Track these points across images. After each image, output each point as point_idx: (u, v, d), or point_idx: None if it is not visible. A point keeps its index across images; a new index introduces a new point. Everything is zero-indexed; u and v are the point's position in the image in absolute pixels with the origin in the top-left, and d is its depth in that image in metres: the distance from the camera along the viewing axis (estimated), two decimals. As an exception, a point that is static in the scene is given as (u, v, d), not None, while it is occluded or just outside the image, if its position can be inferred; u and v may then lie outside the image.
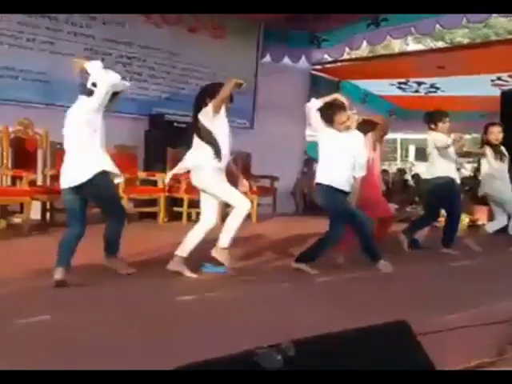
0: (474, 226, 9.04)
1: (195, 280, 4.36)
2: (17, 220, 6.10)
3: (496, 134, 6.41)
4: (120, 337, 2.90)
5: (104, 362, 2.49)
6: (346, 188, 4.67)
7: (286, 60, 9.90)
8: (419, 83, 10.43)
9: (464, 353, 2.72)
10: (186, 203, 7.46)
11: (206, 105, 4.35)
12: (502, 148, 6.49)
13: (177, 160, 7.79)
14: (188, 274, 4.33)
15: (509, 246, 6.50)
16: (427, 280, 4.73)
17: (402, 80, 10.46)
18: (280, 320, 3.27)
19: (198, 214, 7.92)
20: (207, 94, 4.41)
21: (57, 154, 6.93)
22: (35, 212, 6.47)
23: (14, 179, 6.38)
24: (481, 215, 9.22)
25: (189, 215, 7.65)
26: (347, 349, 1.79)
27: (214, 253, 4.41)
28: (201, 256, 4.77)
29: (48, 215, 6.84)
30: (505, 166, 6.49)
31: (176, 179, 7.61)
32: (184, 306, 3.69)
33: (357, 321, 2.04)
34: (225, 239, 4.32)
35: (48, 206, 6.82)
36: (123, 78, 8.12)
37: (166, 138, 7.77)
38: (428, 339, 2.12)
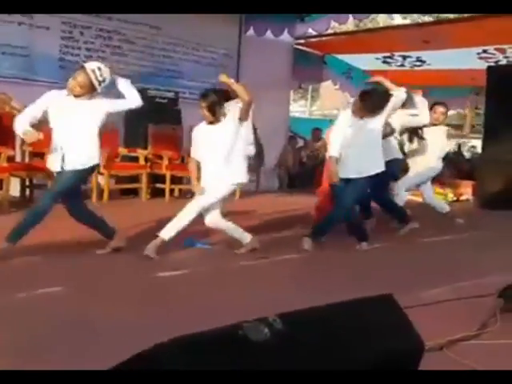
0: (458, 200, 9.08)
1: (178, 256, 4.32)
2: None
3: (438, 114, 6.20)
4: (103, 313, 2.85)
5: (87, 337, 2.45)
6: None
7: (269, 34, 9.74)
8: (404, 57, 10.35)
9: (449, 326, 2.72)
10: (168, 180, 7.38)
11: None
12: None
13: (158, 136, 7.76)
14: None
15: (492, 221, 6.53)
16: (411, 255, 4.72)
17: (387, 54, 10.37)
18: (264, 296, 3.24)
19: (180, 190, 7.91)
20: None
21: (35, 129, 6.81)
22: (14, 188, 6.36)
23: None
24: (465, 190, 9.24)
25: (171, 192, 7.56)
26: (334, 322, 1.76)
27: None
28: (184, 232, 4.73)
29: (27, 192, 6.73)
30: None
31: (158, 155, 7.53)
32: (167, 281, 3.66)
33: (341, 296, 2.00)
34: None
35: (27, 183, 6.70)
36: (103, 52, 8.12)
37: (147, 114, 7.61)
38: (413, 313, 2.08)
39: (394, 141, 5.59)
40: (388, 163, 5.07)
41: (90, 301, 3.08)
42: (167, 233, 4.19)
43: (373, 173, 4.71)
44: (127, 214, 6.11)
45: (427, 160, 6.21)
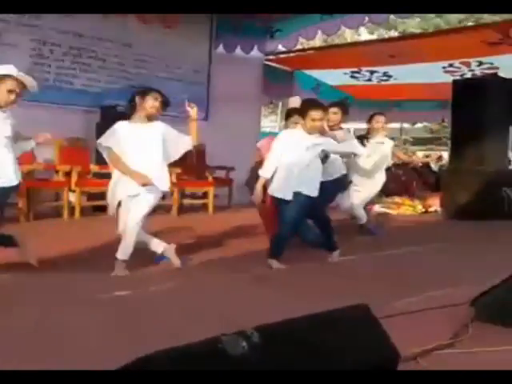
0: (427, 212, 9.22)
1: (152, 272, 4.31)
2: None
3: (380, 123, 6.37)
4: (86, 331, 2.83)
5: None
6: None
7: (239, 51, 9.84)
8: (372, 72, 10.54)
9: (422, 335, 2.76)
10: (140, 196, 7.35)
11: None
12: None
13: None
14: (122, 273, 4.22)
15: (460, 231, 6.65)
16: (381, 266, 4.79)
17: (355, 69, 10.54)
18: (237, 309, 3.25)
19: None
20: None
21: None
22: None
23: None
24: (433, 201, 9.40)
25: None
26: (310, 333, 1.79)
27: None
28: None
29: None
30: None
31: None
32: (123, 300, 3.64)
33: (317, 307, 2.03)
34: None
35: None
36: (73, 69, 8.10)
37: (118, 130, 7.63)
38: (386, 323, 2.13)
39: (339, 158, 5.58)
40: (336, 180, 5.37)
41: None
42: (122, 254, 4.19)
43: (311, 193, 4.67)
44: (99, 230, 6.07)
45: (377, 175, 6.37)
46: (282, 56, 10.71)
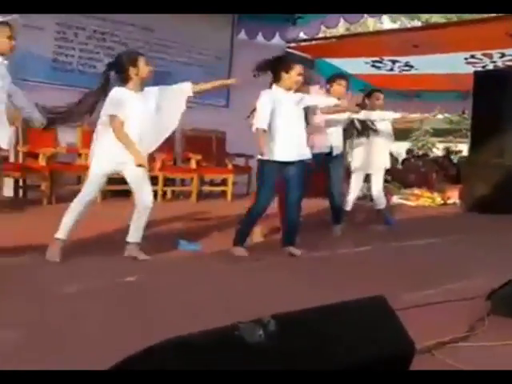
0: (445, 204, 9.19)
1: (172, 258, 4.36)
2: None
3: (381, 100, 6.24)
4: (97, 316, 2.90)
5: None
6: None
7: (260, 37, 9.81)
8: (393, 61, 10.46)
9: (438, 328, 2.78)
10: (161, 181, 7.42)
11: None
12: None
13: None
14: (143, 257, 4.16)
15: (479, 224, 6.63)
16: (398, 258, 4.80)
17: (377, 58, 10.47)
18: (252, 298, 3.30)
19: (173, 192, 7.98)
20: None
21: (29, 130, 6.85)
22: (8, 189, 6.39)
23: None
24: (452, 194, 9.37)
25: (164, 193, 7.62)
26: (326, 323, 1.81)
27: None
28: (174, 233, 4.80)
29: (21, 192, 6.76)
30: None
31: (151, 157, 7.56)
32: (159, 283, 3.70)
33: (332, 298, 2.07)
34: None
35: (21, 183, 6.73)
36: (97, 53, 8.15)
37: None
38: (401, 315, 2.16)
39: None
40: None
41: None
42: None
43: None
44: (119, 215, 6.14)
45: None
46: (303, 44, 10.66)
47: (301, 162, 4.47)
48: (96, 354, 2.21)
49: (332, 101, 4.89)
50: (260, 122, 4.37)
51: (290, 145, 4.42)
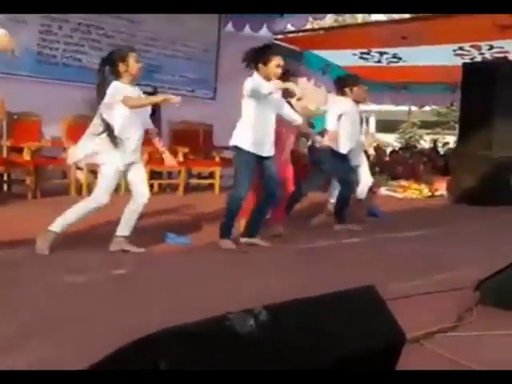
0: (433, 196, 9.21)
1: (162, 250, 4.33)
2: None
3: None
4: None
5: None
6: None
7: (248, 29, 9.76)
8: (381, 53, 10.45)
9: (426, 318, 2.78)
10: (147, 174, 7.34)
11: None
12: None
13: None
14: (135, 249, 4.16)
15: (466, 216, 6.65)
16: (387, 249, 4.81)
17: (365, 50, 10.46)
18: (237, 290, 3.29)
19: (160, 185, 7.93)
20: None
21: (14, 124, 6.78)
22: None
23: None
24: (439, 185, 9.39)
25: (151, 186, 7.55)
26: (317, 313, 1.80)
27: None
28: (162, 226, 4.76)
29: (5, 186, 6.70)
30: None
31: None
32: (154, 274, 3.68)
33: (321, 290, 2.05)
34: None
35: (5, 178, 6.67)
36: (82, 46, 8.08)
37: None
38: (390, 305, 2.14)
39: None
40: None
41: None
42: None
43: None
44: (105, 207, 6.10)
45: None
46: (291, 35, 10.62)
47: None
48: (89, 346, 2.18)
49: (298, 119, 4.83)
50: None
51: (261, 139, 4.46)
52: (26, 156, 6.43)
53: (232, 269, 3.93)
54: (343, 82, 5.84)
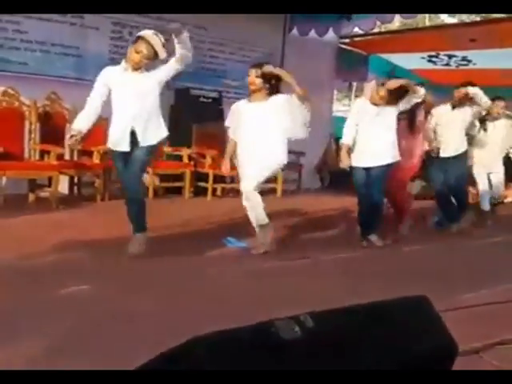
0: (502, 203, 8.91)
1: (218, 255, 4.39)
2: (45, 194, 6.19)
3: (498, 108, 6.60)
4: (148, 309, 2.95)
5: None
6: None
7: (313, 33, 9.72)
8: (450, 56, 10.20)
9: (486, 330, 2.72)
10: (211, 178, 7.47)
11: None
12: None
13: (202, 135, 7.87)
14: None
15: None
16: (448, 257, 4.72)
17: (433, 53, 10.24)
18: (297, 294, 3.29)
19: (223, 189, 8.02)
20: None
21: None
22: (63, 186, 6.57)
23: (42, 153, 6.44)
24: (510, 192, 9.07)
25: (214, 190, 7.67)
26: (365, 321, 1.77)
27: None
28: (224, 231, 4.83)
29: (75, 189, 6.93)
30: None
31: (201, 154, 7.65)
32: (207, 279, 3.73)
33: (376, 296, 2.03)
34: None
35: (76, 180, 6.90)
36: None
37: (191, 113, 7.76)
38: (451, 316, 2.11)
39: None
40: None
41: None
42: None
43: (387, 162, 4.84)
44: (171, 211, 6.24)
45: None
46: (357, 39, 10.53)
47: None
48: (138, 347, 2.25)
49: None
50: (346, 138, 5.11)
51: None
52: (96, 159, 6.64)
53: (289, 275, 3.94)
54: None
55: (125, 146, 4.04)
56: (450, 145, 5.87)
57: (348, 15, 9.61)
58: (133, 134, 4.02)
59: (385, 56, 10.89)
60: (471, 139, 6.38)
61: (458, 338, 2.00)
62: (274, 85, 4.44)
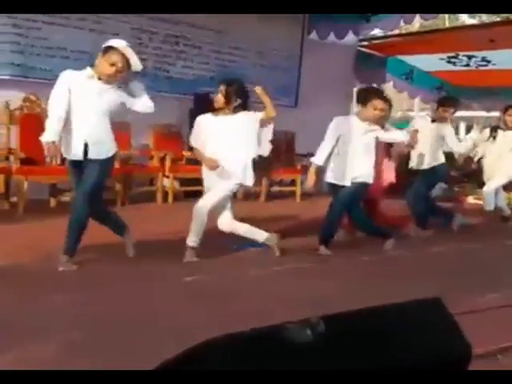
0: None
1: (232, 258, 4.44)
2: (66, 198, 6.27)
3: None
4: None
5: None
6: None
7: (332, 37, 9.70)
8: (469, 57, 10.12)
9: (504, 332, 2.70)
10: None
11: None
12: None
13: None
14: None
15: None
16: (462, 259, 4.70)
17: (452, 54, 10.18)
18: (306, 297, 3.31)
19: (243, 192, 8.04)
20: None
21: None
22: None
23: (63, 159, 6.50)
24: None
25: (234, 194, 7.67)
26: (378, 324, 1.78)
27: None
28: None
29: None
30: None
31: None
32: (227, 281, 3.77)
33: (389, 299, 2.04)
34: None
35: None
36: (169, 57, 8.34)
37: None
38: (468, 318, 2.11)
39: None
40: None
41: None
42: (192, 240, 4.30)
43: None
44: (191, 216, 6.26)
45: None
46: (375, 42, 10.50)
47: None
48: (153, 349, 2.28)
49: (401, 137, 5.07)
50: (317, 158, 4.87)
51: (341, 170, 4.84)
52: (116, 164, 6.69)
53: (306, 277, 3.96)
54: None
55: (78, 156, 3.84)
56: (424, 157, 5.82)
57: (367, 16, 9.58)
58: (86, 147, 3.83)
59: (403, 58, 10.85)
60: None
61: (475, 340, 2.00)
62: (240, 104, 4.34)
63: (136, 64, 3.89)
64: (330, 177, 4.79)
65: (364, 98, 4.71)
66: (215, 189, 4.34)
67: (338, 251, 4.66)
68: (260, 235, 4.48)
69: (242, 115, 4.34)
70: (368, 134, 4.68)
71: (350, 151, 4.66)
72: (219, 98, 4.34)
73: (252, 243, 4.62)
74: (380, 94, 4.76)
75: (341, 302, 3.00)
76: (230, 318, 2.82)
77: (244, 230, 4.48)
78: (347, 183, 4.65)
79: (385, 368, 1.66)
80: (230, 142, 4.31)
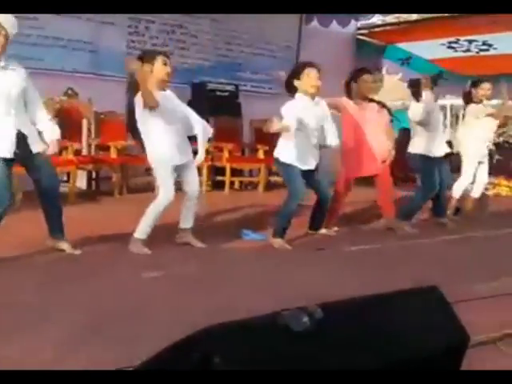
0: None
1: (240, 246, 4.42)
2: (63, 189, 6.22)
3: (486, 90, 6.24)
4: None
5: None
6: None
7: (334, 25, 9.60)
8: (470, 41, 10.00)
9: (505, 319, 2.68)
10: (228, 172, 7.46)
11: None
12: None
13: (219, 129, 7.85)
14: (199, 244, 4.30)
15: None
16: (460, 248, 4.67)
17: (452, 39, 10.07)
18: (303, 286, 3.29)
19: (241, 182, 8.00)
20: None
21: (101, 123, 7.06)
22: (81, 181, 6.61)
23: (59, 149, 6.47)
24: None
25: (231, 184, 7.65)
26: (375, 312, 1.76)
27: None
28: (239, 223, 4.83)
29: (94, 184, 6.97)
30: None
31: (218, 148, 7.63)
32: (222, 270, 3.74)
33: (387, 287, 2.01)
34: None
35: (93, 175, 6.94)
36: (166, 46, 8.28)
37: (208, 107, 7.74)
38: (469, 306, 2.08)
39: None
40: None
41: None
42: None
43: None
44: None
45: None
46: (375, 30, 10.42)
47: None
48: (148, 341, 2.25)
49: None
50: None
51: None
52: (113, 154, 6.67)
53: (302, 267, 3.93)
54: None
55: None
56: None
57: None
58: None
59: (402, 45, 10.77)
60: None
61: (476, 327, 1.97)
62: None
63: (11, 26, 3.60)
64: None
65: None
66: None
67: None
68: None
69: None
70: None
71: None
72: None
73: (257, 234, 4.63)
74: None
75: (336, 290, 2.96)
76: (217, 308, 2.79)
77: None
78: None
79: (381, 356, 1.63)
80: None
